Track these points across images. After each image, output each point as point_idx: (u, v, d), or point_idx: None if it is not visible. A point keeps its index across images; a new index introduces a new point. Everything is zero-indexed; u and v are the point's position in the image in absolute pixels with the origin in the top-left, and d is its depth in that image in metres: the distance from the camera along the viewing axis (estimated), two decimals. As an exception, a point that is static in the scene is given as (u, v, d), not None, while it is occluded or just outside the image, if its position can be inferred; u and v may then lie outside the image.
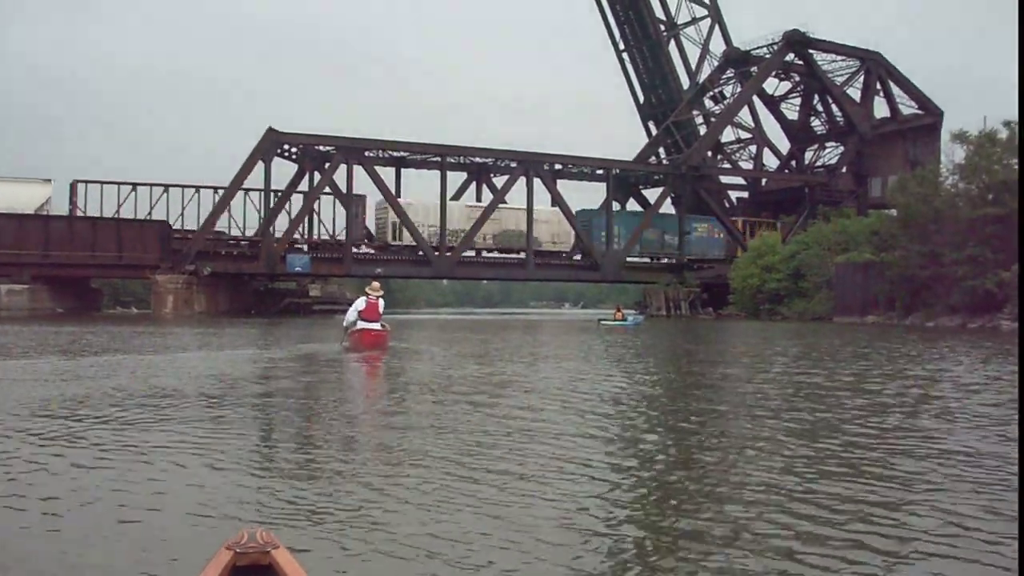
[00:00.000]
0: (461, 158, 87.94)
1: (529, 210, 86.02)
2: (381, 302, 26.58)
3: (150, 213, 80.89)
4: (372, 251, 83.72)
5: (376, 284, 27.41)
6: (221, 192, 79.86)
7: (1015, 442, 10.02)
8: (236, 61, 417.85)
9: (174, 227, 78.90)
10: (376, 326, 26.15)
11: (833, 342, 35.30)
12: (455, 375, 19.05)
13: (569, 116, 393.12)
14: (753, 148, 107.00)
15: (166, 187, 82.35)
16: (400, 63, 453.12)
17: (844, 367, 21.66)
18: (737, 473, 8.35)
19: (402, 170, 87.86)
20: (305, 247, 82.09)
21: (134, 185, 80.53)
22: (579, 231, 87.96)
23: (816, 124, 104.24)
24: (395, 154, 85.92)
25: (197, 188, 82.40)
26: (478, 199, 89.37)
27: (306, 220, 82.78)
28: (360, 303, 26.39)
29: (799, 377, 18.98)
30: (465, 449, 9.40)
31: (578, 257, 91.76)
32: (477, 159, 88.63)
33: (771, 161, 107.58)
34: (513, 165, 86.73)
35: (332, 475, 8.09)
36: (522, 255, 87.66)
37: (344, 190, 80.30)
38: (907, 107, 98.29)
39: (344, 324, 27.20)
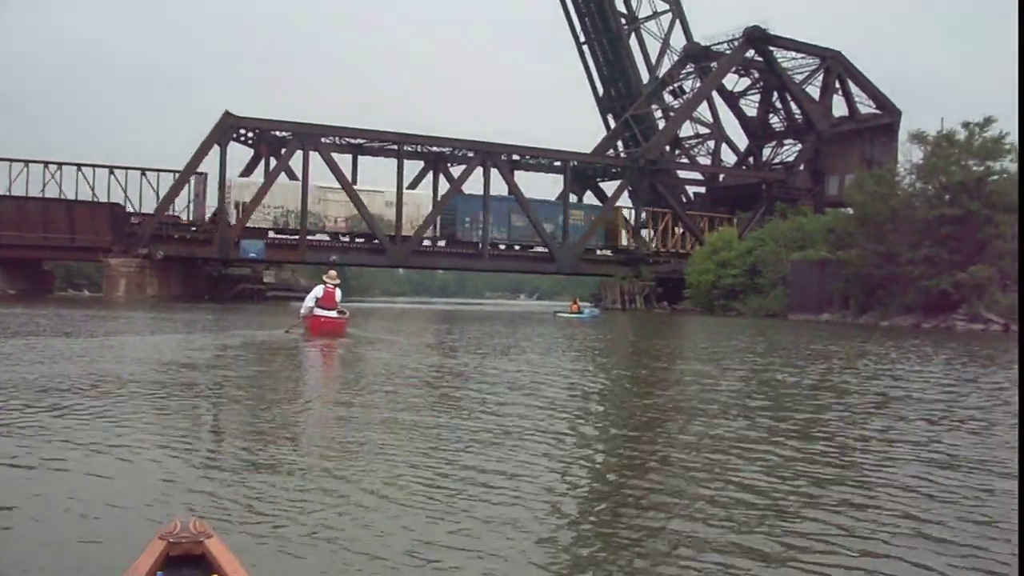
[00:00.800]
0: (419, 147, 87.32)
1: (486, 200, 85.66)
2: (338, 291, 27.13)
3: (94, 193, 78.05)
4: (327, 237, 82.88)
5: (333, 272, 28.02)
6: (175, 175, 78.37)
7: (996, 446, 9.92)
8: (197, 50, 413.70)
9: (128, 210, 77.46)
10: (333, 314, 26.73)
11: (795, 339, 35.21)
12: (410, 365, 18.81)
13: (530, 108, 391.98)
14: (711, 144, 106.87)
15: (111, 169, 78.88)
16: (364, 53, 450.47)
17: (816, 366, 21.47)
18: (709, 472, 8.12)
19: (359, 157, 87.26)
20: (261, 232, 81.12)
21: (79, 166, 77.95)
22: (535, 221, 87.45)
23: (775, 121, 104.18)
24: (352, 141, 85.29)
25: (143, 171, 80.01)
26: (435, 188, 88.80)
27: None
28: (318, 291, 26.90)
29: (768, 374, 18.84)
30: (413, 442, 9.22)
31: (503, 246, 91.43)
32: (435, 148, 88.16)
33: (729, 157, 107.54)
34: (470, 155, 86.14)
35: (273, 466, 7.90)
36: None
37: (300, 176, 79.48)
38: (866, 107, 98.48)
39: (302, 311, 27.48)
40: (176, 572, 4.24)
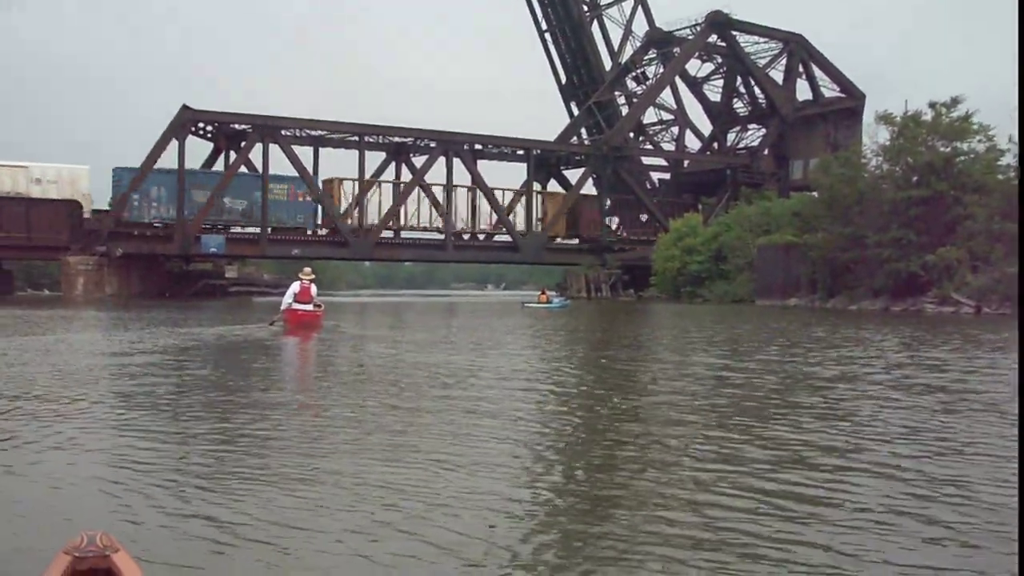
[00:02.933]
0: (380, 137, 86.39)
1: (448, 190, 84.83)
2: (313, 286, 29.42)
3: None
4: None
5: (308, 269, 30.01)
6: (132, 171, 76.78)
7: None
8: (154, 41, 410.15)
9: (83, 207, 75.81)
10: (309, 307, 29.04)
11: (771, 325, 34.68)
12: (383, 362, 18.70)
13: (491, 98, 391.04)
14: (675, 130, 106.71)
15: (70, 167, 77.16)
16: (323, 43, 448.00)
17: (805, 354, 20.98)
18: (699, 469, 7.68)
19: (320, 149, 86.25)
20: (220, 228, 79.95)
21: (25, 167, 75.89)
22: (497, 210, 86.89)
23: (738, 106, 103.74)
24: (313, 133, 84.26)
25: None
26: (397, 178, 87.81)
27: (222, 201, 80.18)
28: (295, 287, 29.04)
29: (753, 363, 18.19)
30: (359, 438, 9.04)
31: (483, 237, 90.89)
32: (396, 139, 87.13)
33: (693, 143, 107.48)
34: (432, 145, 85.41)
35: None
36: (439, 236, 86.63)
37: (260, 170, 78.39)
38: (829, 90, 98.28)
39: (281, 306, 29.56)
40: None
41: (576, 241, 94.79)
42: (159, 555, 5.37)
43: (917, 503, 6.75)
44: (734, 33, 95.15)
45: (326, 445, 8.77)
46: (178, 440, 9.24)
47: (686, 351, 22.01)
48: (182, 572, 5.21)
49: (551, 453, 8.88)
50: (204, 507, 6.51)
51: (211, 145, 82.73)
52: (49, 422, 9.98)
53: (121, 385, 13.95)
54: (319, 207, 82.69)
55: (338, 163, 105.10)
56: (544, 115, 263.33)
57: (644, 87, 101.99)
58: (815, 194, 68.78)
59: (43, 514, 6.34)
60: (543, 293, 62.14)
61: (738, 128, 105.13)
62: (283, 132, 79.14)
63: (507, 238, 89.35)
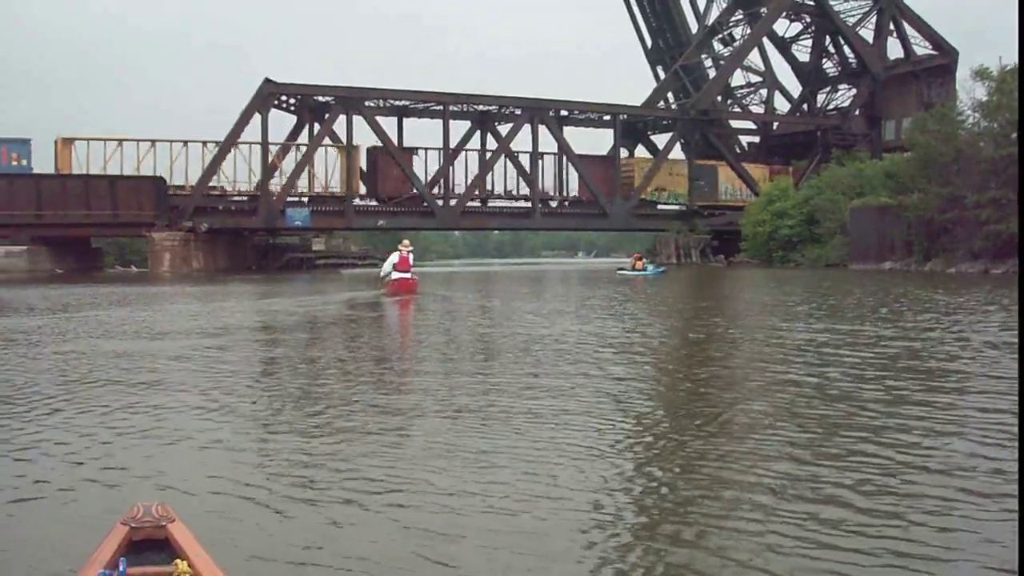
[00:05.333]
0: (464, 106, 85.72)
1: (535, 157, 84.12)
2: (411, 256, 32.91)
3: (139, 168, 76.21)
4: (375, 203, 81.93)
5: (406, 241, 33.63)
6: (215, 146, 77.13)
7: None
8: (237, 12, 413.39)
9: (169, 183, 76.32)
10: (408, 275, 32.37)
11: (893, 290, 33.16)
12: (480, 331, 18.87)
13: (578, 64, 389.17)
14: (764, 92, 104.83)
15: (153, 142, 77.20)
16: (410, 15, 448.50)
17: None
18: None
19: (404, 119, 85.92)
20: (305, 200, 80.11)
21: (120, 141, 76.53)
22: (587, 179, 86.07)
23: (828, 66, 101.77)
24: (396, 103, 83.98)
25: (185, 143, 78.44)
26: (483, 147, 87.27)
27: (306, 173, 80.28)
28: (394, 257, 32.78)
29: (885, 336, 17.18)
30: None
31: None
32: (481, 107, 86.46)
33: (782, 105, 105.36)
34: (518, 112, 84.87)
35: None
36: (526, 204, 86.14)
37: (344, 141, 78.29)
38: (921, 48, 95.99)
39: (381, 274, 33.88)
40: (139, 557, 4.17)
41: (668, 207, 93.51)
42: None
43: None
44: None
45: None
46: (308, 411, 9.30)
47: (829, 319, 20.65)
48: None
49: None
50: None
51: (294, 118, 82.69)
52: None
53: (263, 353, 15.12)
54: None
55: (422, 132, 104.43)
56: (630, 80, 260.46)
57: (731, 49, 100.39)
58: (908, 155, 66.95)
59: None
60: (638, 259, 60.67)
61: (828, 89, 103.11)
62: (367, 103, 78.95)
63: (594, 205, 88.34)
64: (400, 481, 6.35)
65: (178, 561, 4.07)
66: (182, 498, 5.86)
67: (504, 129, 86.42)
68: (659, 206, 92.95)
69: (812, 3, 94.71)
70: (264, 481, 6.45)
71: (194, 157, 76.93)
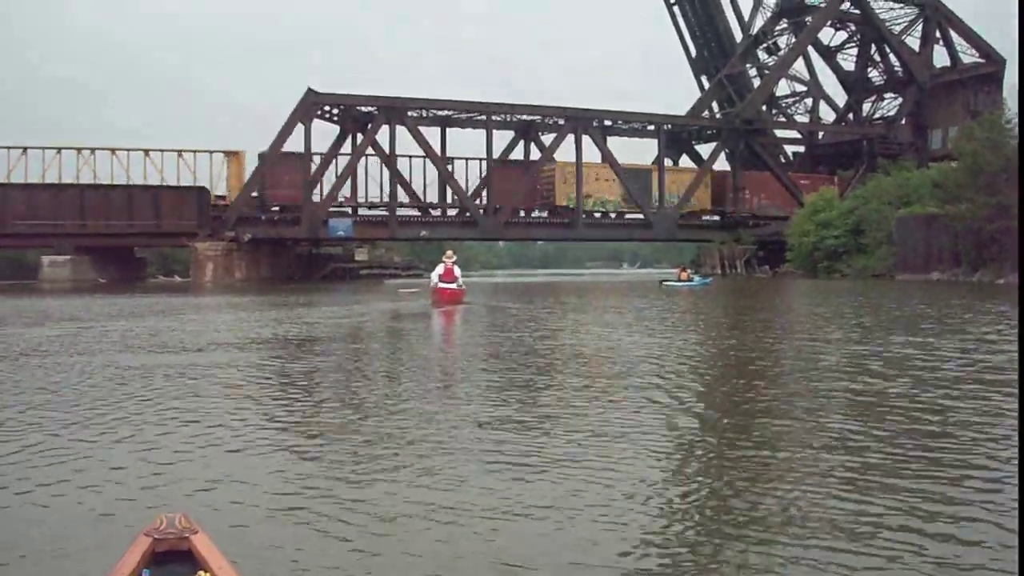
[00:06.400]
0: (507, 116, 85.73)
1: (579, 168, 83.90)
2: (456, 267, 33.86)
3: (162, 177, 76.32)
4: (417, 213, 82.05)
5: (450, 252, 35.22)
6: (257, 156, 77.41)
7: None
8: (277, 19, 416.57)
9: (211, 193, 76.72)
10: (454, 286, 33.30)
11: (953, 302, 32.50)
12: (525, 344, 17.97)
13: (624, 73, 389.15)
14: (809, 101, 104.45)
15: (195, 152, 77.69)
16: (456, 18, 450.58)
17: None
18: None
19: (447, 130, 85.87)
20: (349, 211, 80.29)
21: (146, 151, 76.50)
22: (631, 190, 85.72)
23: (873, 75, 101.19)
24: (439, 113, 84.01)
25: (227, 153, 78.75)
26: (526, 157, 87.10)
27: (349, 183, 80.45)
28: (440, 268, 33.71)
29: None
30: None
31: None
32: (524, 116, 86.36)
33: (827, 114, 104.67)
34: (561, 122, 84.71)
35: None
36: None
37: (387, 151, 78.33)
38: (968, 56, 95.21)
39: (430, 284, 34.50)
40: (161, 569, 4.17)
41: (715, 218, 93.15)
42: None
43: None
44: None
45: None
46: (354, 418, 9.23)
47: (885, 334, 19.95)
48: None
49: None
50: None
51: (337, 128, 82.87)
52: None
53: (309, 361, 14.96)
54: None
55: (465, 143, 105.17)
56: (674, 89, 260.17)
57: (776, 58, 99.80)
58: (954, 165, 66.21)
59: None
60: (684, 270, 59.83)
61: (874, 98, 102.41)
62: (409, 113, 79.08)
63: (639, 215, 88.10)
64: (447, 500, 6.05)
65: (201, 573, 4.07)
66: (204, 510, 5.69)
67: (547, 139, 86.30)
68: (703, 217, 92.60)
69: (857, 12, 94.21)
70: (298, 491, 6.32)
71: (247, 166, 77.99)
